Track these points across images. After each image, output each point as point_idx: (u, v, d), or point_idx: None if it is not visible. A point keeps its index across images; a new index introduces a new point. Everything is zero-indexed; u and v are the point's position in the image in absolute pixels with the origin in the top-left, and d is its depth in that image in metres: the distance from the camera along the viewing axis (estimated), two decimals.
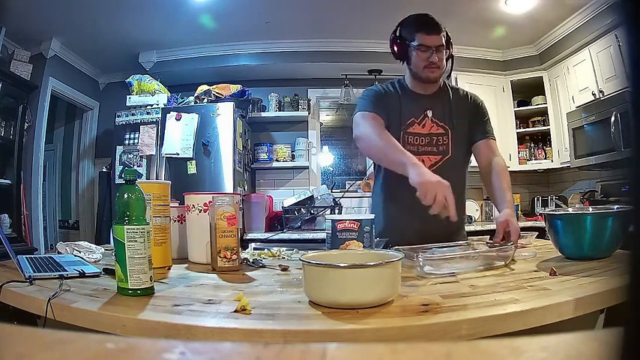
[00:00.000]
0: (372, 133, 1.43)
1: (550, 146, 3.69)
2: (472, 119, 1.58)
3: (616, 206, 1.19)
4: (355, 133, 1.51)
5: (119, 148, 3.25)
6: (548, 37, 3.46)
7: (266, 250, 1.47)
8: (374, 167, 1.73)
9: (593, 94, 3.00)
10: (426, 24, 1.49)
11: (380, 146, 1.41)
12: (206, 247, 1.18)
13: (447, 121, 1.56)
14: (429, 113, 1.56)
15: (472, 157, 1.62)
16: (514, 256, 1.15)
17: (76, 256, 1.32)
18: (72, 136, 4.28)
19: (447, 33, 1.51)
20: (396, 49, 1.55)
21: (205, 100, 3.34)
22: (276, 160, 3.78)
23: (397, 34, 1.55)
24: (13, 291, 0.86)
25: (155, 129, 3.20)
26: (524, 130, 3.81)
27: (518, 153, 3.78)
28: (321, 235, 2.29)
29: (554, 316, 0.70)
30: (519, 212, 3.69)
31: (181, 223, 1.35)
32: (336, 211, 3.38)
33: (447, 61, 1.53)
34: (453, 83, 1.75)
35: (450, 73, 1.60)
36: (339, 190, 3.84)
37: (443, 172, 1.50)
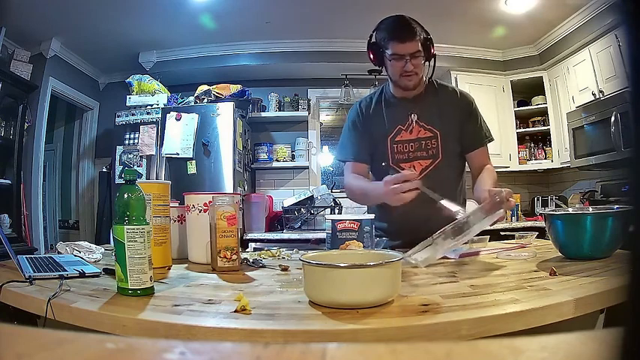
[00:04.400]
0: (357, 192, 1.55)
1: (550, 146, 3.69)
2: (464, 122, 1.53)
3: (616, 206, 1.19)
4: (346, 193, 1.64)
5: (119, 148, 3.25)
6: (548, 37, 3.46)
7: (266, 250, 1.47)
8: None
9: (593, 94, 3.00)
10: (398, 31, 1.41)
11: (363, 197, 1.54)
12: (206, 247, 1.18)
13: (435, 123, 1.51)
14: (414, 117, 1.51)
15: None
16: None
17: (76, 256, 1.32)
18: (72, 136, 4.28)
19: (425, 34, 1.43)
20: (372, 56, 1.50)
21: (205, 100, 3.34)
22: (276, 160, 3.78)
23: (372, 41, 1.48)
24: (13, 291, 0.86)
25: (155, 129, 3.20)
26: (524, 130, 3.81)
27: (518, 153, 3.78)
28: (321, 235, 2.29)
29: (554, 316, 0.70)
30: (519, 212, 3.69)
31: (181, 223, 1.35)
32: (336, 210, 3.38)
33: (428, 61, 1.47)
34: (453, 83, 1.73)
35: (433, 73, 1.53)
36: (338, 191, 3.84)
37: (435, 176, 1.49)
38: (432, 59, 1.47)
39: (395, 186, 1.18)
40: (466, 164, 1.61)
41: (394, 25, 1.44)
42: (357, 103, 1.64)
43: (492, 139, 1.57)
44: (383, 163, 1.55)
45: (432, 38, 1.45)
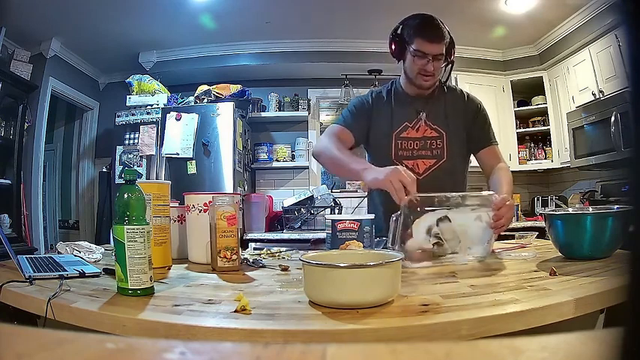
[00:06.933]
0: (328, 148, 1.46)
1: (550, 146, 3.69)
2: (471, 124, 1.54)
3: (616, 206, 1.19)
4: (313, 150, 1.56)
5: (119, 148, 3.26)
6: (548, 37, 3.46)
7: (266, 250, 1.47)
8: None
9: (593, 94, 3.00)
10: (427, 30, 1.42)
11: (334, 159, 1.44)
12: (206, 247, 1.18)
13: (442, 124, 1.52)
14: (423, 115, 1.52)
15: (472, 158, 1.61)
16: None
17: (76, 256, 1.32)
18: (72, 136, 4.29)
19: (450, 39, 1.44)
20: (393, 47, 1.50)
21: (205, 100, 3.35)
22: (276, 160, 3.78)
23: (397, 32, 1.49)
24: (13, 291, 0.86)
25: (155, 129, 3.20)
26: (524, 130, 3.81)
27: (518, 153, 3.78)
28: (321, 236, 2.29)
29: (554, 316, 0.70)
30: (519, 212, 3.69)
31: (181, 223, 1.34)
32: (336, 210, 3.38)
33: (445, 66, 1.48)
34: (453, 83, 1.72)
35: (448, 77, 1.56)
36: (338, 191, 3.85)
37: (438, 176, 1.49)
38: (451, 64, 1.49)
39: (403, 172, 1.14)
40: (468, 166, 1.61)
41: (425, 23, 1.44)
42: (369, 92, 1.64)
43: (497, 144, 1.58)
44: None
45: (454, 43, 1.47)
